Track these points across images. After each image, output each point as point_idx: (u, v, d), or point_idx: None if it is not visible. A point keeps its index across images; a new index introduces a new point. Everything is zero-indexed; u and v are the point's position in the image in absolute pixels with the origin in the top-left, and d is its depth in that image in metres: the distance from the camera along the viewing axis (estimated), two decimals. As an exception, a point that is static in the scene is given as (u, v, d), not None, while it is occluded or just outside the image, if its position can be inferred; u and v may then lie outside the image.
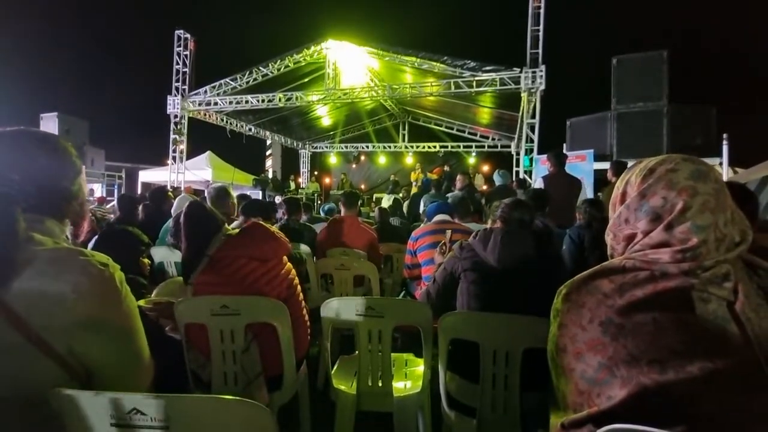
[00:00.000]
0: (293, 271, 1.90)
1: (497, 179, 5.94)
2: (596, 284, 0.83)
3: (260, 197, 9.89)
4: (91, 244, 1.90)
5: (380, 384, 1.75)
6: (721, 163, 5.81)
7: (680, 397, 0.68)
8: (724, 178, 5.51)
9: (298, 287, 1.88)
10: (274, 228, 1.88)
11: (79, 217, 1.02)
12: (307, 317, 1.90)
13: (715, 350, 0.69)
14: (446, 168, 11.47)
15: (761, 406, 0.66)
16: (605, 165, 6.35)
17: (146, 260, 2.07)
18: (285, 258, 1.87)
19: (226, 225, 1.82)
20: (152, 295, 1.90)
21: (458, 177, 6.34)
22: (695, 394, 0.68)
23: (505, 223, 1.72)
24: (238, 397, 0.79)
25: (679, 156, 0.84)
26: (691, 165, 0.81)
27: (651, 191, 0.82)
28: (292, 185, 12.97)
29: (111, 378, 0.93)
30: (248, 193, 8.37)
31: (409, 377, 1.94)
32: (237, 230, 1.80)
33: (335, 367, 1.99)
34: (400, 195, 9.62)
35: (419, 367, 1.97)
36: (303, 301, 1.89)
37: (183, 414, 0.77)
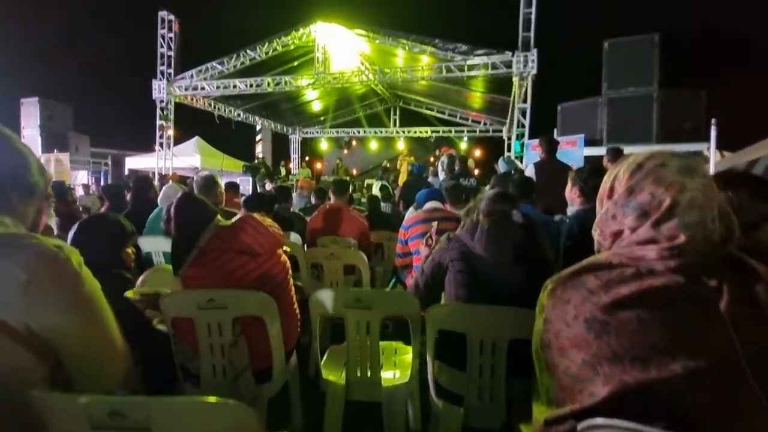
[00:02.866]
0: (287, 264, 1.88)
1: (501, 166, 5.90)
2: (582, 280, 0.83)
3: (250, 184, 9.78)
4: (71, 234, 1.81)
5: (369, 374, 1.76)
6: (709, 148, 5.85)
7: (662, 395, 0.69)
8: (712, 162, 5.57)
9: (291, 281, 1.87)
10: (269, 221, 1.84)
11: (35, 211, 0.99)
12: (297, 310, 1.90)
13: (697, 349, 0.69)
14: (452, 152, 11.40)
15: (742, 406, 0.67)
16: (596, 150, 6.37)
17: (130, 250, 1.97)
18: (280, 251, 1.85)
19: (219, 216, 1.78)
20: (137, 283, 1.86)
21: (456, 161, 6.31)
22: (677, 393, 0.68)
23: (490, 216, 1.72)
24: (221, 399, 0.78)
25: (667, 151, 0.83)
26: (679, 160, 0.80)
27: (639, 187, 0.81)
28: (283, 171, 12.83)
29: (81, 363, 0.93)
30: (238, 180, 8.25)
31: (398, 366, 1.95)
32: (229, 222, 1.77)
33: (325, 357, 2.00)
34: (390, 180, 9.60)
35: (408, 355, 1.98)
36: (294, 295, 1.88)
37: (165, 416, 0.76)
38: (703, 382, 0.68)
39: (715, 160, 5.63)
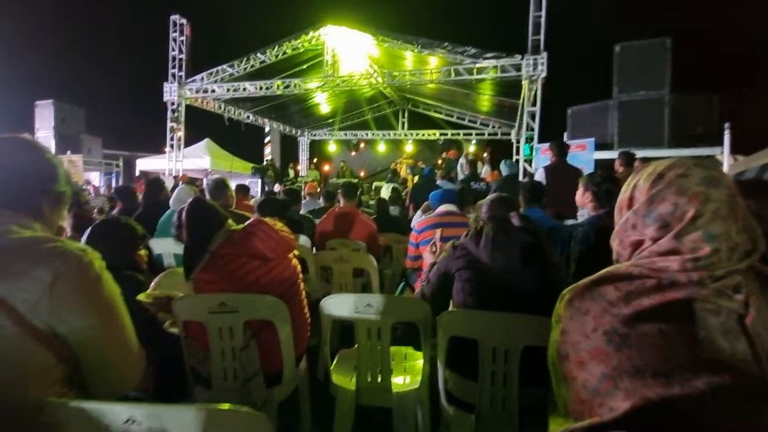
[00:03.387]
0: (298, 267, 1.88)
1: (504, 170, 5.89)
2: (601, 291, 0.81)
3: (259, 186, 9.84)
4: (83, 239, 1.85)
5: (379, 379, 1.76)
6: (722, 152, 5.77)
7: (685, 412, 0.67)
8: (725, 167, 5.49)
9: (301, 285, 1.87)
10: (280, 225, 1.84)
11: (60, 216, 1.05)
12: (307, 314, 1.90)
13: (722, 365, 0.67)
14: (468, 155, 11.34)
15: (766, 426, 0.65)
16: (606, 154, 6.31)
17: (143, 252, 2.01)
18: (291, 256, 1.85)
19: (230, 221, 1.79)
20: (151, 286, 1.88)
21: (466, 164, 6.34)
22: (700, 410, 0.66)
23: (492, 221, 1.70)
24: (234, 407, 0.78)
25: (690, 160, 0.81)
26: (703, 170, 0.78)
27: (660, 197, 0.79)
28: (291, 173, 12.88)
29: (98, 365, 0.96)
30: (247, 182, 8.31)
31: (408, 372, 1.94)
32: (240, 227, 1.77)
33: (335, 362, 1.99)
34: (399, 182, 9.59)
35: (419, 360, 1.97)
36: (304, 299, 1.88)
37: (179, 423, 0.76)
38: (727, 400, 0.66)
39: (728, 164, 5.56)
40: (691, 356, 0.69)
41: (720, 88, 6.57)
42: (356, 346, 1.78)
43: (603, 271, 0.86)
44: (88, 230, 1.86)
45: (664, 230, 0.79)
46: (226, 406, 0.78)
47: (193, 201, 1.77)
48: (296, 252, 1.98)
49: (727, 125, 5.70)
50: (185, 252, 1.70)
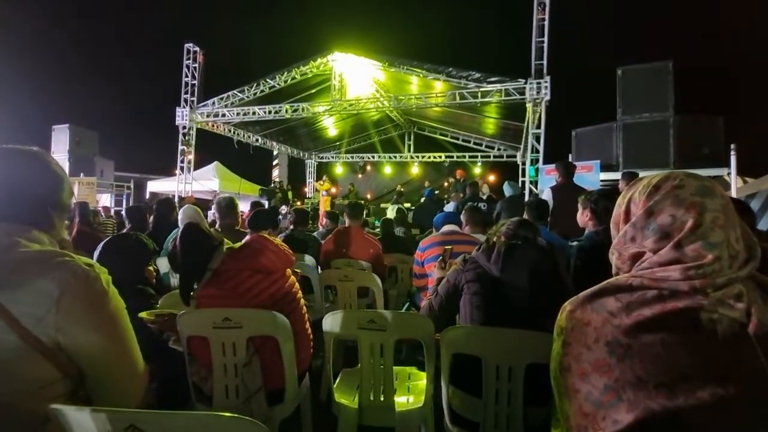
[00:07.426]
0: (297, 284, 1.89)
1: (507, 190, 5.95)
2: (602, 302, 0.81)
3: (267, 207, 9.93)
4: (96, 253, 1.88)
5: (382, 398, 1.73)
6: (729, 173, 5.75)
7: (691, 423, 0.66)
8: (734, 188, 5.45)
9: (302, 300, 1.87)
10: (278, 240, 1.87)
11: (63, 228, 1.05)
12: (309, 330, 1.89)
13: (726, 375, 0.67)
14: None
15: None
16: (612, 175, 6.32)
17: (152, 267, 2.04)
18: (289, 271, 1.87)
19: (226, 240, 1.81)
20: (160, 302, 1.89)
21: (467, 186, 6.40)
22: (706, 422, 0.65)
23: (508, 239, 1.71)
24: (236, 415, 0.78)
25: (681, 172, 0.82)
26: (696, 181, 0.79)
27: (658, 208, 0.80)
28: (290, 195, 12.96)
29: (102, 381, 0.95)
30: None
31: (412, 391, 1.91)
32: (239, 243, 1.80)
33: (337, 381, 1.97)
34: (406, 205, 9.63)
35: (422, 380, 1.94)
36: (306, 315, 1.88)
37: (180, 431, 0.76)
38: (733, 411, 0.65)
39: (736, 185, 5.52)
40: (695, 366, 0.69)
41: (724, 110, 6.59)
42: (359, 365, 1.76)
43: (603, 282, 0.86)
44: (101, 244, 1.92)
45: (665, 241, 0.79)
46: (228, 414, 0.77)
47: (186, 227, 1.78)
48: (298, 270, 1.99)
49: (733, 146, 5.70)
50: (181, 277, 1.69)
